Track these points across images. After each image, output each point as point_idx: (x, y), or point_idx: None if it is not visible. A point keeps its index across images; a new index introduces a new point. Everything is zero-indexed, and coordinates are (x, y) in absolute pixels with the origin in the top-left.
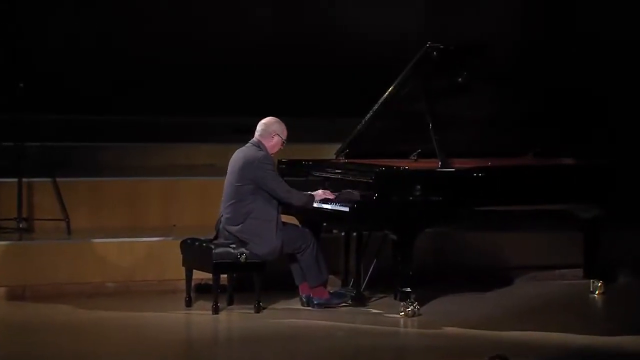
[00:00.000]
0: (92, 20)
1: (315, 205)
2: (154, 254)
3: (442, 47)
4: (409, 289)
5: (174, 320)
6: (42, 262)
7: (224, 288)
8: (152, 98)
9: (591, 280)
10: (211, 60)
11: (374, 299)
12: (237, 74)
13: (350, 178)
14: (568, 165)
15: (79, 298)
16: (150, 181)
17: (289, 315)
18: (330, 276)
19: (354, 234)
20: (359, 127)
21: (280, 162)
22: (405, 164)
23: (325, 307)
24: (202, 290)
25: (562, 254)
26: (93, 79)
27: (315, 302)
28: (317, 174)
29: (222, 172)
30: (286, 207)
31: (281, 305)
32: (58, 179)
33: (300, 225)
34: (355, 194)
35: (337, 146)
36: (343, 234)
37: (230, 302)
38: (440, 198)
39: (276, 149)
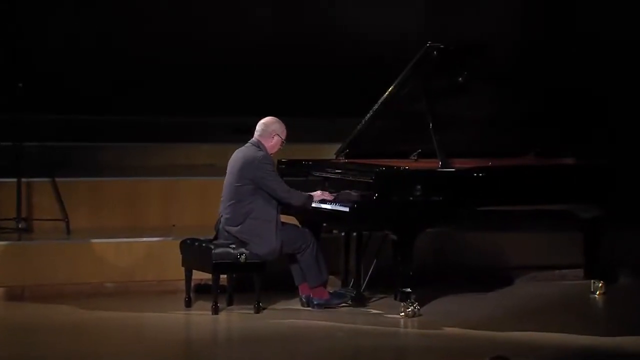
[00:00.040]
0: (92, 20)
1: (314, 205)
2: (154, 254)
3: (442, 46)
4: (409, 289)
5: (173, 321)
6: (41, 262)
7: (223, 288)
8: (152, 98)
9: (592, 281)
10: (211, 60)
11: (374, 299)
12: (237, 74)
13: (350, 178)
14: (568, 165)
15: (78, 298)
16: (150, 181)
17: (288, 316)
18: (330, 276)
19: (354, 234)
20: (359, 127)
21: (280, 162)
22: (405, 164)
23: (325, 308)
24: (202, 290)
25: (562, 254)
26: (93, 79)
27: (315, 302)
28: (317, 174)
29: (222, 172)
30: (286, 207)
31: (281, 305)
32: (58, 179)
33: (300, 226)
34: (354, 195)
35: (337, 146)
36: (343, 234)
37: (230, 303)
38: (441, 198)
39: (276, 149)
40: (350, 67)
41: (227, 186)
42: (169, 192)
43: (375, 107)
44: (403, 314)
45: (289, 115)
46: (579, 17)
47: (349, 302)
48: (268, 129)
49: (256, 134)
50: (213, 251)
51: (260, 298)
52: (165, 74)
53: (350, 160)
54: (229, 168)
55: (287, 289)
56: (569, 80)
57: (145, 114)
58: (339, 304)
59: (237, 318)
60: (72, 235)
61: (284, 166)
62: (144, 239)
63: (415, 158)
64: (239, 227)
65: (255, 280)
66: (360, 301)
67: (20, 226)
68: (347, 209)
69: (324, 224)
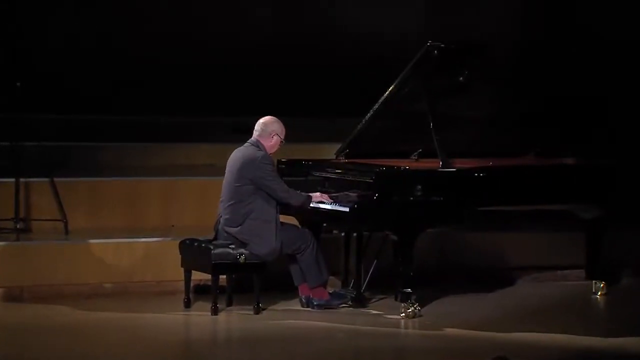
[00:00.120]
0: (92, 20)
1: (313, 205)
2: (153, 255)
3: (442, 46)
4: (409, 290)
5: (172, 322)
6: (40, 262)
7: (223, 289)
8: (152, 98)
9: (593, 281)
10: (211, 60)
11: (374, 299)
12: (237, 74)
13: (350, 178)
14: (569, 165)
15: (77, 299)
16: (150, 181)
17: (288, 316)
18: (330, 277)
19: (354, 234)
20: (359, 127)
21: (280, 162)
22: (406, 164)
23: (325, 308)
24: (201, 291)
25: (563, 255)
26: (93, 79)
27: (315, 303)
28: (317, 174)
29: (222, 172)
30: (285, 208)
31: (281, 306)
32: (58, 179)
33: (300, 226)
34: (353, 196)
35: (337, 146)
36: (343, 234)
37: (230, 303)
38: (441, 198)
39: (275, 149)
40: (350, 67)
41: (226, 186)
42: (168, 192)
43: (376, 107)
44: (403, 314)
45: (289, 115)
46: (579, 17)
47: (349, 302)
48: (267, 129)
49: (255, 133)
50: (212, 251)
51: (259, 299)
52: (165, 74)
53: (350, 160)
54: (228, 168)
55: (287, 290)
56: (569, 80)
57: (145, 114)
58: (339, 304)
59: (236, 319)
60: (71, 236)
61: (283, 166)
62: (143, 240)
63: (416, 158)
64: (238, 227)
65: (255, 280)
66: (360, 302)
67: (18, 226)
68: (347, 209)
69: (324, 224)
